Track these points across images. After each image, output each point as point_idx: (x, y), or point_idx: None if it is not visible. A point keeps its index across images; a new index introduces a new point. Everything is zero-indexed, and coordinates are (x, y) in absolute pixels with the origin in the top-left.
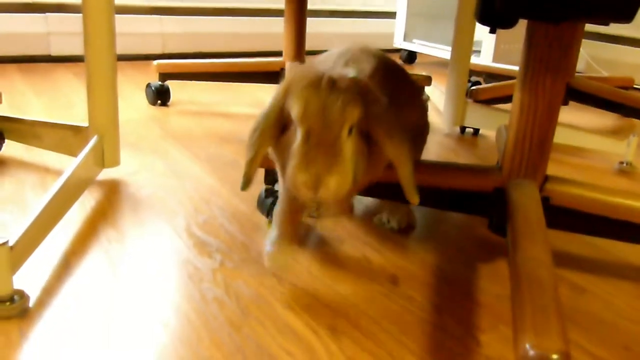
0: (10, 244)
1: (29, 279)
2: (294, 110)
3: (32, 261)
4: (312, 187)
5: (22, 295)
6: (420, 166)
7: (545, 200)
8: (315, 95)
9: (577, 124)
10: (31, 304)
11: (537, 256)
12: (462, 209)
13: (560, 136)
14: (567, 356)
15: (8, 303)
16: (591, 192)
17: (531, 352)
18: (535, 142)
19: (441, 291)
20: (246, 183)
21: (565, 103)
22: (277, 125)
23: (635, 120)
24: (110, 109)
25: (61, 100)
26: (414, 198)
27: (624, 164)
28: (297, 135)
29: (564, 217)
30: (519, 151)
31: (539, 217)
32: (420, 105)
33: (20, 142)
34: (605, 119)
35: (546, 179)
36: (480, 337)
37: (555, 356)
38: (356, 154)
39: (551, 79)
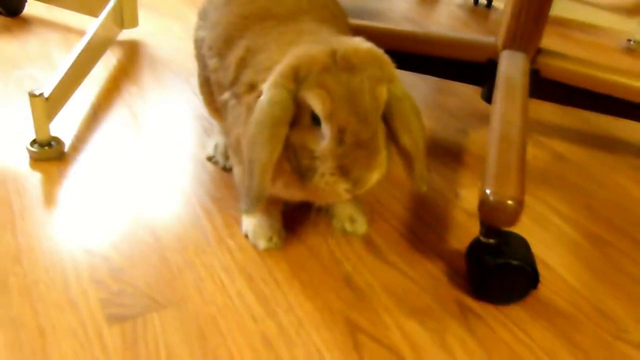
0: (46, 95)
1: (63, 127)
2: (317, 104)
3: (65, 113)
4: (354, 189)
5: (59, 141)
6: (421, 35)
7: (535, 72)
8: (337, 81)
9: None
10: (66, 148)
11: (512, 120)
12: (458, 78)
13: (569, 11)
14: (520, 203)
15: (47, 147)
16: (579, 67)
17: (491, 198)
18: (531, 15)
19: (433, 151)
20: (258, 199)
21: None
22: (288, 120)
23: None
24: None
25: None
26: (422, 187)
27: (632, 42)
28: (325, 134)
29: (552, 89)
30: (514, 23)
31: (522, 87)
32: None
33: (42, 1)
34: None
35: (538, 52)
36: (460, 191)
37: (510, 202)
38: (385, 138)
39: None
